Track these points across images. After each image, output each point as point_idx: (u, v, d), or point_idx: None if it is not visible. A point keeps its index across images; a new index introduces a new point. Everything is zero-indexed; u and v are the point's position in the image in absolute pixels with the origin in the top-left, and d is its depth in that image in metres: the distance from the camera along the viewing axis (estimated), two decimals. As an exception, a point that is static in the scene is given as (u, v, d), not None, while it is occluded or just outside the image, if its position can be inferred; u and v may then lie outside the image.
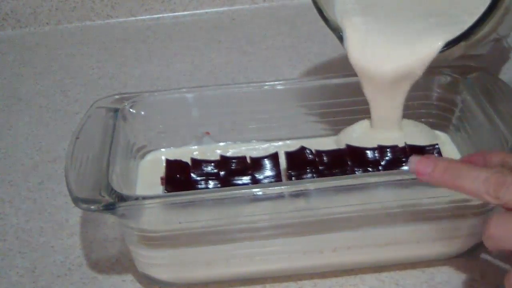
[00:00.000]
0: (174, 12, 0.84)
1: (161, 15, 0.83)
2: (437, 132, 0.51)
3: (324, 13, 0.49)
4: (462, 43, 0.44)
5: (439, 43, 0.45)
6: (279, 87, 0.50)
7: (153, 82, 0.70)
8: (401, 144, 0.46)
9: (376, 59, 0.46)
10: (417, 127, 0.50)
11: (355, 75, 0.48)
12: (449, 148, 0.50)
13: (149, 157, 0.51)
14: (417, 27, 0.47)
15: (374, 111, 0.48)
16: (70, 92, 0.70)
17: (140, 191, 0.47)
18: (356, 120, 0.50)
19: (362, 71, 0.47)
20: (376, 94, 0.47)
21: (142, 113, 0.50)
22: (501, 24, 0.46)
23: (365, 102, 0.49)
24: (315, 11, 0.49)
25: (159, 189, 0.47)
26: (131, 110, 0.49)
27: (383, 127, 0.48)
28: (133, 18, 0.83)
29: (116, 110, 0.48)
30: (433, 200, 0.42)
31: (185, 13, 0.83)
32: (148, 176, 0.49)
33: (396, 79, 0.46)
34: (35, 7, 0.82)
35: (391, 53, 0.46)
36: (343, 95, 0.51)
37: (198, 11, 0.83)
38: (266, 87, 0.50)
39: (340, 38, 0.48)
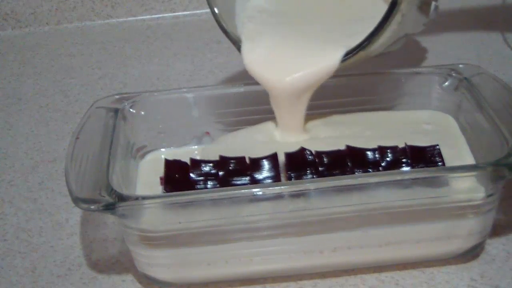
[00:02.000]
0: (174, 12, 0.84)
1: (161, 15, 0.84)
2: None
3: (224, 25, 0.48)
4: (362, 53, 0.44)
5: (338, 55, 0.45)
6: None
7: (153, 82, 0.70)
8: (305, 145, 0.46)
9: (275, 72, 0.46)
10: None
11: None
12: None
13: (149, 157, 0.51)
14: (317, 39, 0.47)
15: (277, 117, 0.48)
16: (70, 92, 0.70)
17: (140, 191, 0.47)
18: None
19: (261, 82, 0.47)
20: (277, 103, 0.47)
21: (142, 113, 0.50)
22: (402, 29, 0.45)
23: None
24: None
25: (159, 189, 0.47)
26: (131, 110, 0.49)
27: (286, 130, 0.48)
28: (133, 18, 0.83)
29: (116, 110, 0.48)
30: (433, 200, 0.42)
31: (185, 13, 0.84)
32: (148, 176, 0.49)
33: (295, 91, 0.46)
34: (35, 7, 0.82)
35: (290, 65, 0.46)
36: (342, 95, 0.51)
37: (198, 11, 0.83)
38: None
39: (240, 51, 0.48)
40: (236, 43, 0.48)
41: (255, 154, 0.45)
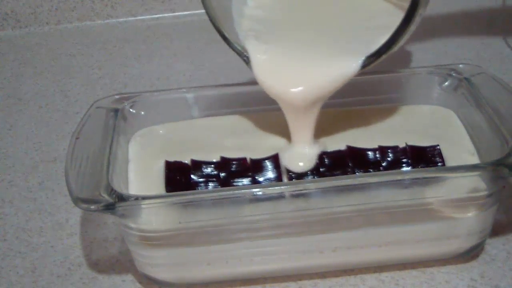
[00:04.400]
0: (174, 12, 0.84)
1: (161, 15, 0.84)
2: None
3: (226, 35, 0.46)
4: (383, 56, 0.43)
5: (358, 62, 0.43)
6: None
7: (153, 82, 0.70)
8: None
9: (287, 84, 0.44)
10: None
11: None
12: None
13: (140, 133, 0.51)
14: (329, 47, 0.45)
15: (289, 126, 0.46)
16: (70, 92, 0.70)
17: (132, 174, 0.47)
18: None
19: (272, 95, 0.45)
20: (288, 113, 0.45)
21: (142, 113, 0.50)
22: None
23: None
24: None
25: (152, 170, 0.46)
26: (131, 110, 0.49)
27: (298, 141, 0.46)
28: (133, 18, 0.83)
29: (116, 110, 0.48)
30: (433, 200, 0.42)
31: (185, 13, 0.83)
32: (140, 153, 0.49)
33: (309, 103, 0.44)
34: (35, 7, 0.82)
35: (306, 76, 0.44)
36: (341, 96, 0.51)
37: (198, 11, 0.83)
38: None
39: (247, 62, 0.46)
40: (242, 55, 0.46)
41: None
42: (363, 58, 0.43)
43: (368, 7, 0.47)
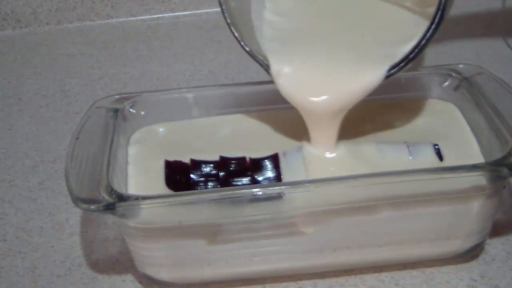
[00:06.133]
0: (174, 12, 0.84)
1: (161, 15, 0.83)
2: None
3: (247, 46, 0.45)
4: (409, 65, 0.42)
5: (382, 71, 0.43)
6: None
7: (153, 82, 0.70)
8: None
9: (311, 95, 0.44)
10: None
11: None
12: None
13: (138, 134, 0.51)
14: (354, 57, 0.45)
15: (311, 134, 0.46)
16: (70, 92, 0.70)
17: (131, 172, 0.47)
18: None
19: (297, 105, 0.44)
20: (312, 123, 0.45)
21: (142, 113, 0.50)
22: None
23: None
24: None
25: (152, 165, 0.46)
26: (131, 110, 0.49)
27: (319, 147, 0.46)
28: (133, 18, 0.83)
29: (116, 110, 0.48)
30: (432, 200, 0.42)
31: (185, 13, 0.83)
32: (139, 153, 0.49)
33: (334, 111, 0.44)
34: (35, 7, 0.82)
35: (328, 86, 0.44)
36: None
37: (198, 11, 0.83)
38: (266, 87, 0.50)
39: (268, 72, 0.45)
40: (264, 65, 0.45)
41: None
42: (387, 67, 0.43)
43: (391, 17, 0.47)
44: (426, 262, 0.45)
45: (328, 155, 0.45)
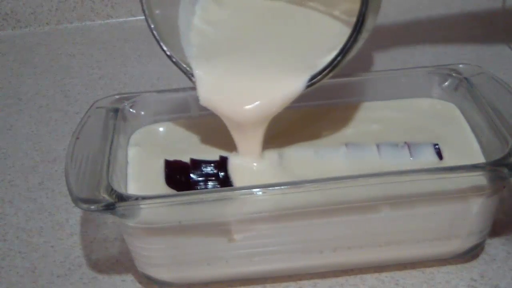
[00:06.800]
0: (174, 12, 0.83)
1: (161, 15, 0.83)
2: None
3: (170, 54, 0.46)
4: (330, 75, 0.42)
5: (303, 80, 0.43)
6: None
7: (153, 82, 0.70)
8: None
9: (232, 103, 0.44)
10: None
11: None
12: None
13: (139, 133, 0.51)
14: (277, 67, 0.45)
15: (236, 144, 0.46)
16: (70, 92, 0.70)
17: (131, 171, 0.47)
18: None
19: (217, 114, 0.45)
20: (235, 132, 0.45)
21: (142, 113, 0.50)
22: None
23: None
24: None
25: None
26: (131, 110, 0.49)
27: (245, 158, 0.46)
28: (133, 18, 0.83)
29: (116, 110, 0.48)
30: (432, 199, 0.42)
31: (185, 13, 0.83)
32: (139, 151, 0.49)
33: (255, 121, 0.44)
34: (35, 7, 0.82)
35: (249, 95, 0.44)
36: (340, 95, 0.51)
37: (198, 11, 0.83)
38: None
39: (192, 80, 0.45)
40: (188, 72, 0.46)
41: None
42: (309, 77, 0.43)
43: (319, 27, 0.46)
44: (426, 262, 0.45)
45: (254, 165, 0.45)
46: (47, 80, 0.72)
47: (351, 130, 0.48)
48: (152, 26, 0.45)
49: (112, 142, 0.45)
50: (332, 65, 0.42)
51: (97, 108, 0.48)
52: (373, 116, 0.50)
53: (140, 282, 0.46)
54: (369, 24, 0.40)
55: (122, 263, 0.47)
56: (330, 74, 0.42)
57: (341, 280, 0.45)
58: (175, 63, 0.46)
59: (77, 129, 0.46)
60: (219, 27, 0.48)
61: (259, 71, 0.45)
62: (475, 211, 0.42)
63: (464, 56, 0.69)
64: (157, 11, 0.46)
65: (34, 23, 0.83)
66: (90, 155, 0.43)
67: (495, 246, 0.46)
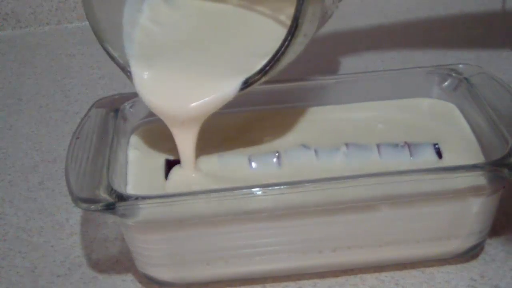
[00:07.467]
0: (174, 12, 0.83)
1: (161, 15, 0.83)
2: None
3: (109, 49, 0.46)
4: (263, 78, 0.42)
5: (237, 83, 0.42)
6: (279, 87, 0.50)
7: (153, 82, 0.70)
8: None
9: (164, 101, 0.44)
10: None
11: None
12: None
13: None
14: (214, 69, 0.45)
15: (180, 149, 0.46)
16: (70, 92, 0.70)
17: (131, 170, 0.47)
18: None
19: (155, 111, 0.44)
20: (173, 133, 0.45)
21: (142, 113, 0.50)
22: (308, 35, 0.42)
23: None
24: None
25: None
26: (131, 110, 0.49)
27: (184, 166, 0.46)
28: (133, 18, 0.83)
29: (116, 110, 0.48)
30: (432, 199, 0.42)
31: (185, 13, 0.83)
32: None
33: (187, 121, 0.44)
34: (35, 7, 0.82)
35: (182, 95, 0.44)
36: (340, 95, 0.51)
37: (198, 11, 0.83)
38: (266, 87, 0.50)
39: (129, 77, 0.45)
40: (125, 70, 0.45)
41: None
42: (243, 79, 0.42)
43: (263, 31, 0.46)
44: (426, 262, 0.45)
45: (191, 174, 0.45)
46: (47, 80, 0.72)
47: (351, 130, 0.48)
48: (91, 19, 0.46)
49: (112, 142, 0.45)
50: (265, 69, 0.41)
51: (97, 108, 0.48)
52: (373, 116, 0.50)
53: (140, 282, 0.46)
54: (307, 29, 0.40)
55: (122, 263, 0.47)
56: (264, 78, 0.42)
57: (341, 280, 0.45)
58: (112, 58, 0.46)
59: (77, 129, 0.46)
60: (165, 27, 0.48)
61: (195, 73, 0.45)
62: (475, 211, 0.42)
63: (464, 56, 0.69)
64: (99, 7, 0.45)
65: (34, 23, 0.83)
66: (90, 155, 0.43)
67: (495, 246, 0.46)
